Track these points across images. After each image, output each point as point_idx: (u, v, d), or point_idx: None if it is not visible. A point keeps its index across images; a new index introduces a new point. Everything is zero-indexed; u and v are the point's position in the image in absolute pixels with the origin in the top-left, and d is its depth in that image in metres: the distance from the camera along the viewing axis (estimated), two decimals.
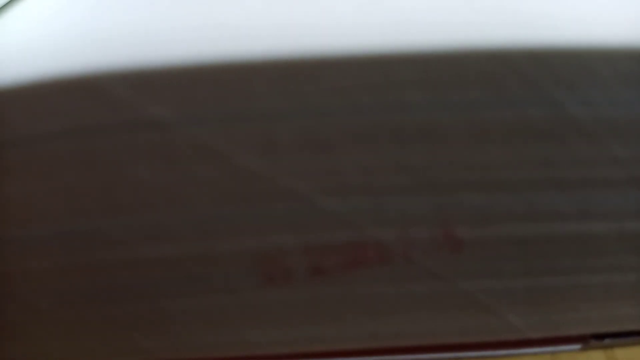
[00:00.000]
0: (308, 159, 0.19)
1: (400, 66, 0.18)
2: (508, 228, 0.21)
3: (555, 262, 0.21)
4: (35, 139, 0.18)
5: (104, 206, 0.19)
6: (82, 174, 0.19)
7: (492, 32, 0.18)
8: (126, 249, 0.20)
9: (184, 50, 0.18)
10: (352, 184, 0.19)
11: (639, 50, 0.18)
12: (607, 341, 0.24)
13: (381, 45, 0.18)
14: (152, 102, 0.18)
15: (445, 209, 0.20)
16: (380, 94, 0.18)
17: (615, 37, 0.18)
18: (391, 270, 0.21)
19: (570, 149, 0.19)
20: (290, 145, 0.19)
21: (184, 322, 0.22)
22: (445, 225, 0.20)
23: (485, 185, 0.20)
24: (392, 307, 0.22)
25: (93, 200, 0.19)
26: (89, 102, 0.18)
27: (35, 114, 0.18)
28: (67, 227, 0.20)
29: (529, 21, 0.18)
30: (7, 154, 0.19)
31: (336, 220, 0.20)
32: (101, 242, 0.20)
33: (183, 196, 0.19)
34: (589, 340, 0.24)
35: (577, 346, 0.24)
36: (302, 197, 0.19)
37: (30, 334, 0.22)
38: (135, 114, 0.18)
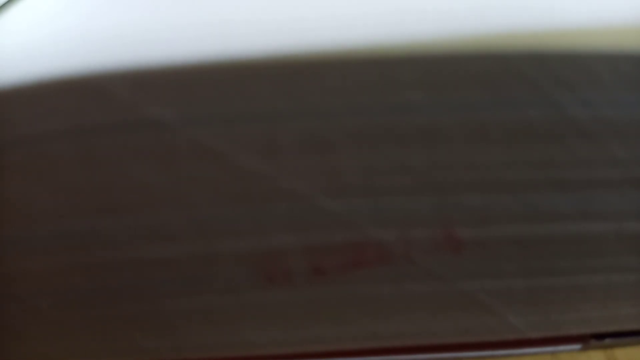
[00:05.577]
0: (309, 159, 0.19)
1: (401, 67, 0.18)
2: (508, 228, 0.21)
3: (555, 263, 0.21)
4: (36, 139, 0.18)
5: (104, 206, 0.19)
6: (82, 174, 0.19)
7: (494, 15, 0.18)
8: (126, 249, 0.20)
9: (185, 50, 0.18)
10: (353, 185, 0.19)
11: (639, 51, 0.18)
12: (607, 341, 0.24)
13: (383, 38, 0.18)
14: (152, 102, 0.18)
15: (445, 209, 0.20)
16: (381, 95, 0.18)
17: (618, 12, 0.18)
18: (391, 271, 0.21)
19: (570, 150, 0.19)
20: (291, 146, 0.19)
21: (184, 322, 0.22)
22: (446, 225, 0.20)
23: (486, 185, 0.20)
24: (392, 307, 0.22)
25: (93, 200, 0.19)
26: (89, 102, 0.18)
27: (35, 114, 0.18)
28: (67, 227, 0.20)
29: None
30: (7, 154, 0.19)
31: (337, 220, 0.20)
32: (101, 242, 0.20)
33: (183, 196, 0.19)
34: (589, 340, 0.24)
35: (577, 346, 0.24)
36: (302, 198, 0.19)
37: (30, 334, 0.22)
38: (136, 114, 0.18)
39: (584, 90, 0.18)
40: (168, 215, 0.20)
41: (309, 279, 0.21)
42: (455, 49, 0.18)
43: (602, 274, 0.22)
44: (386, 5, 0.18)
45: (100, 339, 0.22)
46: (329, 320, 0.22)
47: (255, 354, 0.23)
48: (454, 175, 0.20)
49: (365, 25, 0.18)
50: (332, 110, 0.18)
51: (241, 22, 0.18)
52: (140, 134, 0.18)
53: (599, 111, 0.19)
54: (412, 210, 0.20)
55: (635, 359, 0.24)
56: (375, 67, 0.18)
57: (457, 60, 0.18)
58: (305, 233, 0.20)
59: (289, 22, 0.18)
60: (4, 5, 0.20)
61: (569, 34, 0.18)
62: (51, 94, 0.18)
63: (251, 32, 0.18)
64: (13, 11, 0.20)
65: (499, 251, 0.21)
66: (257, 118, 0.18)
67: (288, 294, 0.21)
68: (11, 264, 0.20)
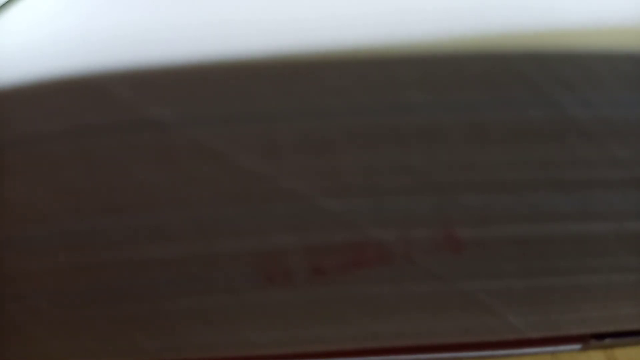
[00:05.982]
0: (309, 160, 0.19)
1: (401, 67, 0.18)
2: (508, 228, 0.21)
3: (555, 263, 0.21)
4: (35, 139, 0.18)
5: (104, 206, 0.19)
6: (82, 174, 0.19)
7: (494, 15, 0.18)
8: (126, 249, 0.20)
9: (185, 50, 0.18)
10: (353, 185, 0.19)
11: (639, 51, 0.18)
12: (607, 341, 0.24)
13: (383, 38, 0.18)
14: (152, 102, 0.18)
15: (445, 209, 0.20)
16: (381, 95, 0.18)
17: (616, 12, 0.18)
18: (391, 271, 0.21)
19: (570, 150, 0.19)
20: (291, 146, 0.19)
21: (185, 322, 0.22)
22: (446, 225, 0.20)
23: (486, 185, 0.20)
24: (392, 307, 0.22)
25: (93, 200, 0.19)
26: (89, 102, 0.18)
27: (35, 114, 0.18)
28: (67, 227, 0.20)
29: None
30: (7, 154, 0.19)
31: (337, 220, 0.20)
32: (101, 242, 0.20)
33: (183, 196, 0.19)
34: (589, 340, 0.24)
35: (577, 346, 0.24)
36: (302, 198, 0.20)
37: (30, 334, 0.22)
38: (136, 114, 0.18)
39: (584, 90, 0.18)
40: (168, 215, 0.20)
41: (309, 279, 0.21)
42: (455, 49, 0.18)
43: (602, 274, 0.22)
44: (386, 5, 0.18)
45: (100, 339, 0.22)
46: (329, 320, 0.22)
47: (255, 354, 0.23)
48: (454, 175, 0.20)
49: (365, 25, 0.18)
50: (332, 110, 0.18)
51: (241, 22, 0.18)
52: (140, 134, 0.18)
53: (599, 111, 0.19)
54: (412, 210, 0.20)
55: (635, 359, 0.24)
56: (375, 67, 0.18)
57: (457, 60, 0.18)
58: (305, 233, 0.20)
59: (289, 22, 0.18)
60: (4, 5, 0.20)
61: (569, 34, 0.18)
62: (51, 94, 0.18)
63: (251, 32, 0.18)
64: (13, 11, 0.20)
65: (499, 251, 0.21)
66: (257, 118, 0.18)
67: (288, 294, 0.21)
68: (11, 264, 0.20)
